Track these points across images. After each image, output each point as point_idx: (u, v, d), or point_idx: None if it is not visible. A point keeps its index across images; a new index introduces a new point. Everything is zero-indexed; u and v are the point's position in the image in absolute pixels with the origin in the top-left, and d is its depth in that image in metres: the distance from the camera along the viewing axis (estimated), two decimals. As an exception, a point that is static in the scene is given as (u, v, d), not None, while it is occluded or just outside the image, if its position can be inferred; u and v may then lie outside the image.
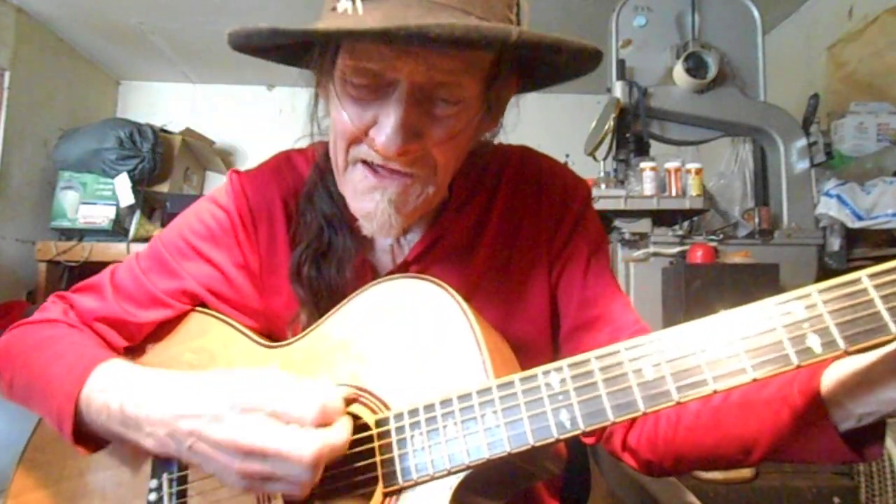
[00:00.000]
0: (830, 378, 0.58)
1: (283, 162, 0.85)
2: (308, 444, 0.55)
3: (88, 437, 0.69)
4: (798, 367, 0.49)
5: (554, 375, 0.56)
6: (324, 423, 0.57)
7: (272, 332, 0.82)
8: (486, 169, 0.83)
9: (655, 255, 2.07)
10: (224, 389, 0.60)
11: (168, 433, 0.61)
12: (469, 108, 0.67)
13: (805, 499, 1.55)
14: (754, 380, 0.50)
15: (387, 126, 0.63)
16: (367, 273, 0.80)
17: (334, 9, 0.62)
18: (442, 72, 0.62)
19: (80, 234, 2.97)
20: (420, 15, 0.58)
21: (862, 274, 0.49)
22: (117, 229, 2.97)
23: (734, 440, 0.66)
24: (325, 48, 0.68)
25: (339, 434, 0.58)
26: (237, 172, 0.85)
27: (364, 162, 0.68)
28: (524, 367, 0.70)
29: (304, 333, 0.73)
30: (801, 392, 0.60)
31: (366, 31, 0.56)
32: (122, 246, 2.90)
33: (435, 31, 0.53)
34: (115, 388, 0.66)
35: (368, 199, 0.68)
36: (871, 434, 0.59)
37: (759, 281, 1.85)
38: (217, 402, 0.59)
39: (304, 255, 0.78)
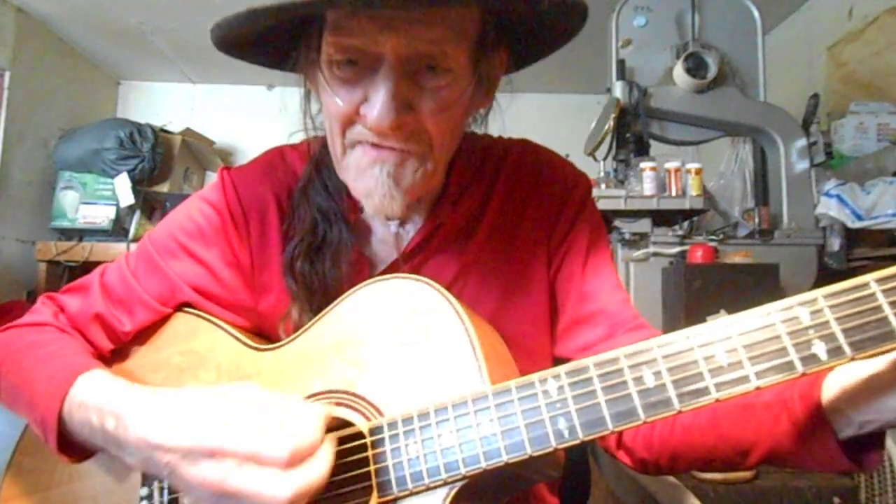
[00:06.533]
0: (832, 385, 0.57)
1: (277, 158, 0.85)
2: (283, 490, 0.53)
3: (75, 446, 0.68)
4: (803, 374, 0.48)
5: (552, 382, 0.55)
6: (300, 461, 0.55)
7: (263, 331, 0.81)
8: (485, 160, 0.82)
9: (655, 255, 2.06)
10: (195, 425, 0.57)
11: (146, 458, 0.60)
12: (459, 79, 0.67)
13: (805, 499, 1.54)
14: (757, 388, 0.49)
15: (377, 101, 0.63)
16: (364, 267, 0.79)
17: None
18: (425, 42, 0.62)
19: (80, 234, 2.97)
20: None
21: (870, 278, 0.47)
22: (117, 229, 2.98)
23: (731, 442, 0.65)
24: (309, 35, 0.68)
25: (316, 473, 0.55)
26: (228, 169, 0.84)
27: (361, 142, 0.68)
28: (520, 362, 0.69)
29: (295, 335, 0.72)
30: (801, 398, 0.59)
31: None
32: (122, 246, 2.89)
33: None
34: (93, 405, 0.64)
35: (369, 175, 0.67)
36: (870, 442, 0.57)
37: (759, 281, 1.84)
38: (189, 438, 0.56)
39: (298, 248, 0.77)
